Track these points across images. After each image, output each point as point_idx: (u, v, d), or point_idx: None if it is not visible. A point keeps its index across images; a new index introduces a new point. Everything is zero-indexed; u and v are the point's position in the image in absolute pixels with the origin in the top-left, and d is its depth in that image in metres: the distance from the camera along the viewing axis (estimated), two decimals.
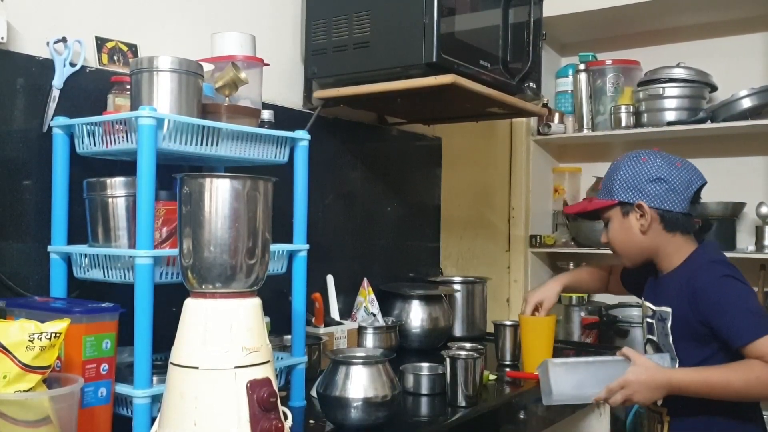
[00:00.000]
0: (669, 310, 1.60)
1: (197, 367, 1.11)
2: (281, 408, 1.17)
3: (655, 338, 1.66)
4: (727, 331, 1.49)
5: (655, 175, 1.59)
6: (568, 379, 1.56)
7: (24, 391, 1.07)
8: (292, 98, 2.07)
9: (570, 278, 1.97)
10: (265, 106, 1.64)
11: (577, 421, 2.28)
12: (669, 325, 1.59)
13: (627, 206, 1.62)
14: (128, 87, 1.43)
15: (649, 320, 1.69)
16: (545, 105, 3.09)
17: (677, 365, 1.58)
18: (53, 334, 1.09)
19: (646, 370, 1.51)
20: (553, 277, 1.98)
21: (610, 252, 1.72)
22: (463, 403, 1.61)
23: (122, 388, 1.28)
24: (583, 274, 2.00)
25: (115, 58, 1.61)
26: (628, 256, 1.69)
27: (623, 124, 3.04)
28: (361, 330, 2.04)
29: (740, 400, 1.52)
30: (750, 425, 1.58)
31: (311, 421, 1.48)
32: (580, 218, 1.86)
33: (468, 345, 1.89)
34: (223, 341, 1.12)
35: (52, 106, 1.48)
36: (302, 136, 1.58)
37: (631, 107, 3.04)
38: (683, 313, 1.56)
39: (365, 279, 2.17)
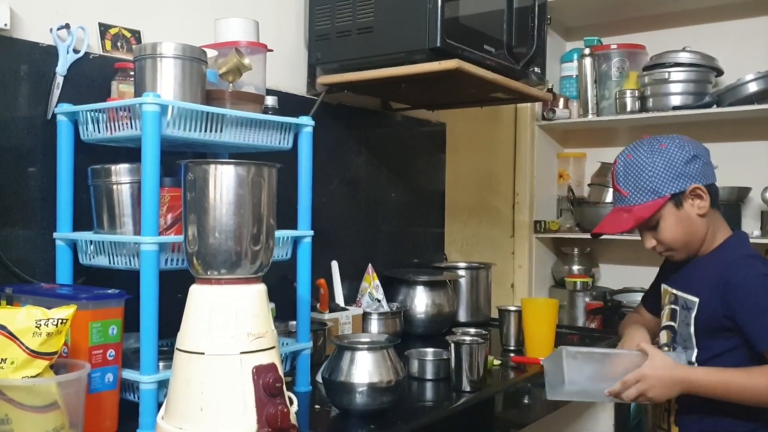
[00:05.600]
0: (695, 300, 1.54)
1: (203, 353, 1.12)
2: (287, 393, 1.18)
3: (675, 325, 1.59)
4: (755, 332, 1.43)
5: (689, 155, 1.53)
6: (582, 369, 1.49)
7: (31, 377, 1.07)
8: (296, 84, 2.06)
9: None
10: (269, 92, 1.64)
11: (582, 406, 2.28)
12: (693, 315, 1.53)
13: (678, 196, 1.53)
14: (132, 73, 1.43)
15: (672, 306, 1.61)
16: (550, 90, 3.07)
17: (694, 355, 1.53)
18: (60, 321, 1.10)
19: (663, 365, 1.46)
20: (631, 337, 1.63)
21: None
22: (468, 388, 1.62)
23: (129, 374, 1.29)
24: (642, 325, 1.71)
25: (119, 44, 1.61)
26: (688, 248, 1.57)
27: (628, 108, 3.02)
28: (365, 316, 2.04)
29: (758, 405, 1.45)
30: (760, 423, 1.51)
31: (317, 407, 1.49)
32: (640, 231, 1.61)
33: (472, 330, 1.90)
34: (229, 327, 1.13)
35: (56, 93, 1.48)
36: (306, 122, 1.58)
37: (637, 92, 3.02)
38: (711, 305, 1.50)
39: (370, 265, 2.18)
